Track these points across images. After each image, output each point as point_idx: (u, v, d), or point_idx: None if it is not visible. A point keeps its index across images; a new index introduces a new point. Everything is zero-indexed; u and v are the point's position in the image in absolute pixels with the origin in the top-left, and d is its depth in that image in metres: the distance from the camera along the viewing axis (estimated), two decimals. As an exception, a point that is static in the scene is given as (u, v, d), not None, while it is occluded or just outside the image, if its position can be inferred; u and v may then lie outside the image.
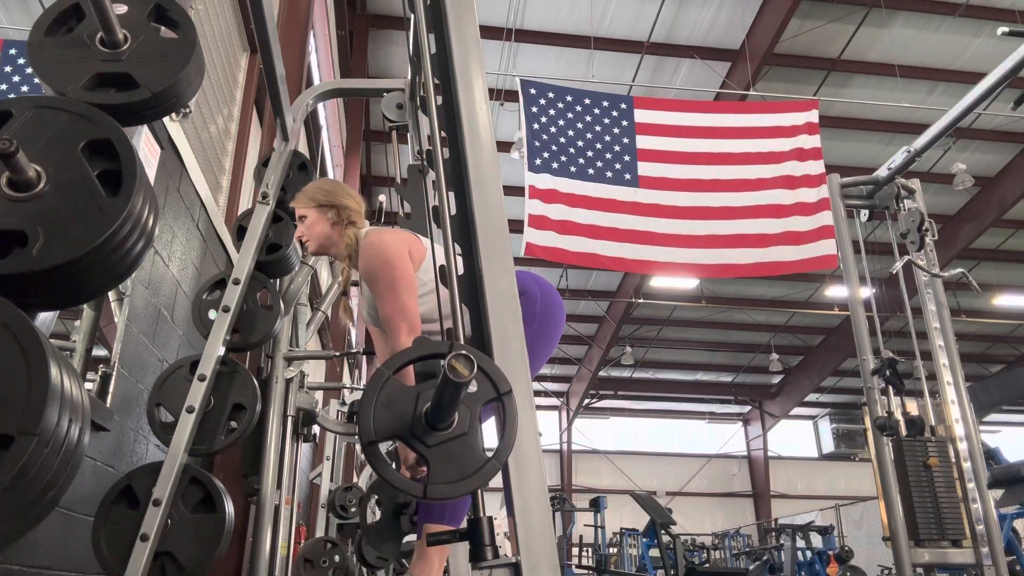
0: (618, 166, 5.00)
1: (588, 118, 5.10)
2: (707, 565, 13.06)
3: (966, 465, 3.68)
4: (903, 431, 3.71)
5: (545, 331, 2.22)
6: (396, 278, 2.10)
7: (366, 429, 1.16)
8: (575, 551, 14.04)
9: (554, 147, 4.94)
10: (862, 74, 11.22)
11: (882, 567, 10.84)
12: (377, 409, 1.17)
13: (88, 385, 2.44)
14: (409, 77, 2.90)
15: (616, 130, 5.10)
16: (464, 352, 1.06)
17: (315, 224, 2.34)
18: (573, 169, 4.92)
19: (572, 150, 4.97)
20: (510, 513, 1.24)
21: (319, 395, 4.58)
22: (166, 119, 2.86)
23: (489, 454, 1.19)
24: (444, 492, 1.14)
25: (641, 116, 5.18)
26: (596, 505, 11.50)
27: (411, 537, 2.66)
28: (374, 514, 6.61)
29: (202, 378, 2.18)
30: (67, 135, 1.18)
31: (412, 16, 1.61)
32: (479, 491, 1.21)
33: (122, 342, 2.62)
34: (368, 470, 6.23)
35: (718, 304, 16.55)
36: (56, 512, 2.13)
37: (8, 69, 2.60)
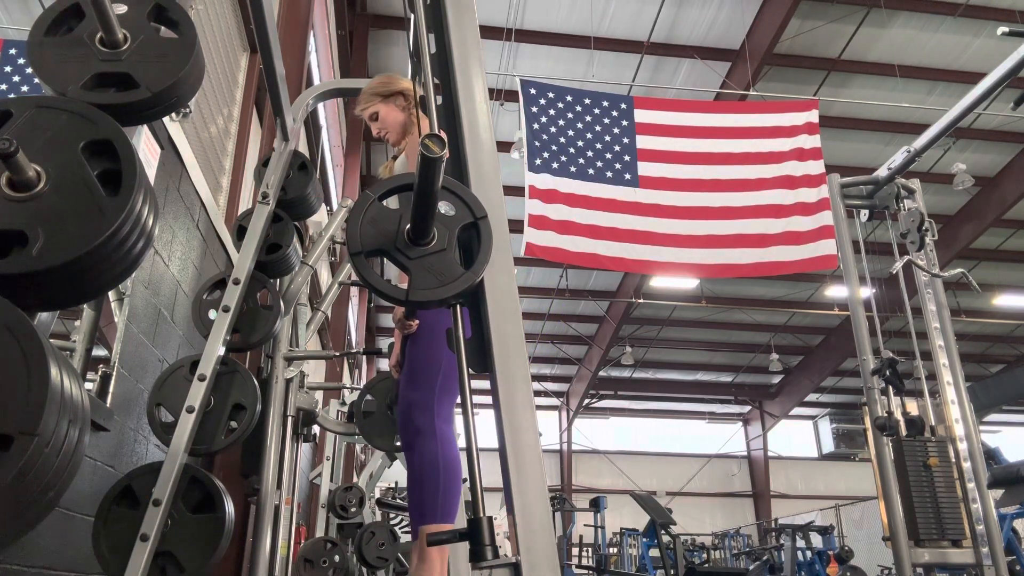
0: (618, 166, 4.99)
1: (588, 118, 5.09)
2: (707, 565, 13.06)
3: (966, 465, 3.68)
4: (903, 431, 3.71)
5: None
6: None
7: (353, 241, 1.25)
8: (575, 551, 14.04)
9: (554, 147, 4.93)
10: (862, 74, 11.21)
11: (882, 567, 10.84)
12: (363, 226, 1.26)
13: (88, 385, 2.44)
14: (409, 77, 2.89)
15: (616, 130, 5.10)
16: (437, 134, 1.12)
17: (388, 116, 2.44)
18: (573, 169, 4.91)
19: (572, 150, 4.96)
20: (510, 513, 1.24)
21: (319, 395, 4.58)
22: (166, 119, 2.85)
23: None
24: (424, 296, 1.25)
25: (641, 116, 5.17)
26: (596, 505, 11.49)
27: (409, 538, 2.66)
28: (374, 514, 6.58)
29: (202, 378, 2.18)
30: (67, 135, 1.18)
31: (412, 16, 1.62)
32: (479, 491, 1.20)
33: (122, 342, 2.62)
34: (368, 470, 6.23)
35: (718, 304, 16.55)
36: (56, 512, 2.13)
37: (8, 69, 2.59)
